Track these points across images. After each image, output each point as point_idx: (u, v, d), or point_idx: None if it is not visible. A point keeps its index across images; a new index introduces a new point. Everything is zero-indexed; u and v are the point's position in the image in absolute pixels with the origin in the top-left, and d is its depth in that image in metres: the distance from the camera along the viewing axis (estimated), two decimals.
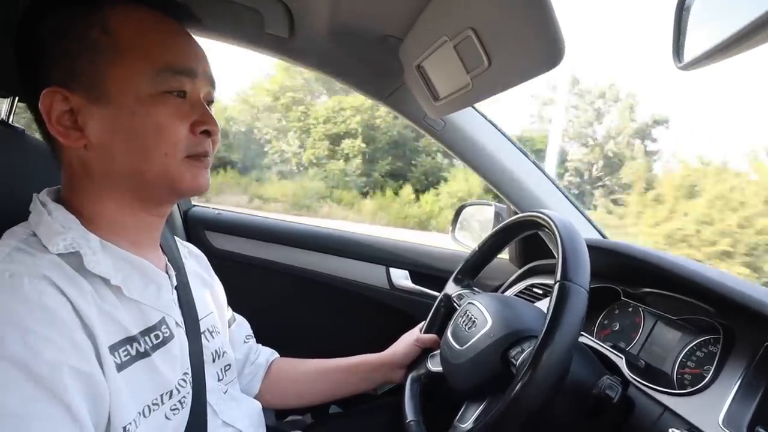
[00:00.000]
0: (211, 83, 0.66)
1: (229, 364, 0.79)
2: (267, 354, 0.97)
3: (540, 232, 0.81)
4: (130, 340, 0.57)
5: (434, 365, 0.89)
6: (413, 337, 0.98)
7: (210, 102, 0.66)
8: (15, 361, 0.44)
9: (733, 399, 0.61)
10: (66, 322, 0.49)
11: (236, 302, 0.95)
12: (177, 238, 0.81)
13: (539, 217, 0.75)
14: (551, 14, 0.52)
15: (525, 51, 0.58)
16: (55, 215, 0.57)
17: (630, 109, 15.49)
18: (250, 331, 0.96)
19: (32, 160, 0.78)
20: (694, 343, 0.75)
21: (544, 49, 0.55)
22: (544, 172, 1.17)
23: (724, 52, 0.40)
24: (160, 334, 0.62)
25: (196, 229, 1.58)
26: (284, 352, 1.02)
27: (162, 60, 0.58)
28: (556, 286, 0.63)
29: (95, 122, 0.57)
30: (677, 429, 0.61)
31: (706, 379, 0.66)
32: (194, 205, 1.65)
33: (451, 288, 0.98)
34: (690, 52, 0.45)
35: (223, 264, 0.96)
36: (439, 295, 1.00)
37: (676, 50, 0.45)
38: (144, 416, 0.56)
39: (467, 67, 0.70)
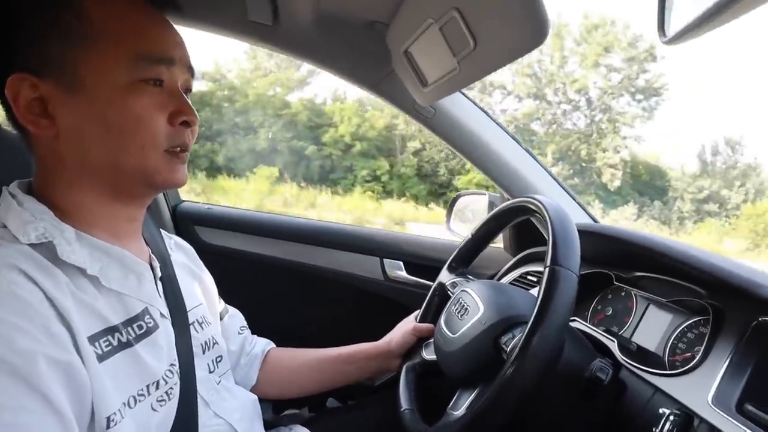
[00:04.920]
0: (190, 71, 0.64)
1: (221, 356, 0.78)
2: (263, 344, 0.97)
3: (532, 218, 0.81)
4: (111, 330, 0.55)
5: (429, 354, 0.90)
6: (409, 326, 0.97)
7: (188, 90, 0.64)
8: None
9: (722, 378, 0.61)
10: (39, 312, 0.48)
11: (229, 297, 0.94)
12: (163, 231, 0.80)
13: (530, 203, 0.75)
14: None
15: (509, 29, 0.57)
16: (26, 206, 0.55)
17: None
18: (245, 323, 0.96)
19: (5, 155, 0.76)
20: (685, 324, 0.75)
21: (528, 26, 0.54)
22: (535, 158, 1.17)
23: (708, 22, 0.39)
24: (144, 324, 0.61)
25: (186, 225, 1.57)
26: (279, 346, 1.01)
27: (138, 47, 0.56)
28: (546, 271, 0.62)
29: (67, 111, 0.55)
30: (668, 409, 0.61)
31: (696, 359, 0.66)
32: (183, 201, 1.63)
33: (445, 276, 0.98)
34: (674, 25, 0.44)
35: (214, 259, 0.95)
36: (433, 285, 1.00)
37: (661, 24, 0.45)
38: (129, 407, 0.55)
39: (453, 50, 0.68)
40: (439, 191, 17.35)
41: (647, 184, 19.00)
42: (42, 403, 0.45)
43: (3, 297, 0.46)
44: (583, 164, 17.95)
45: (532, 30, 0.53)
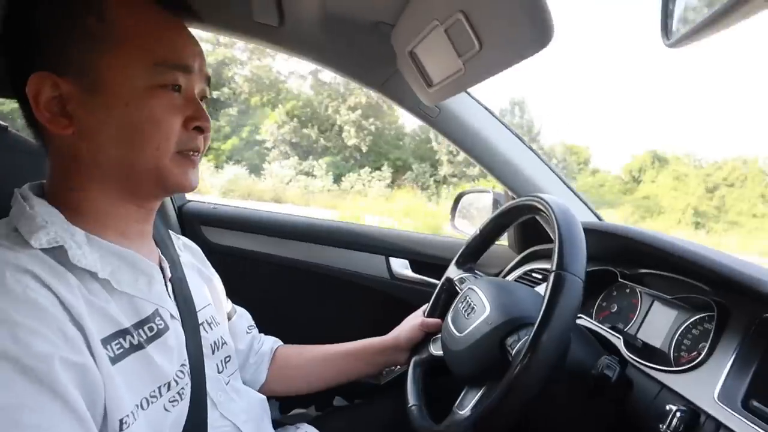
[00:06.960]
0: (206, 80, 0.65)
1: (230, 356, 0.79)
2: (271, 342, 0.98)
3: (538, 217, 0.81)
4: (122, 333, 0.56)
5: (436, 349, 0.90)
6: (417, 320, 0.98)
7: (204, 98, 0.65)
8: (5, 356, 0.44)
9: (728, 374, 0.62)
10: (54, 315, 0.48)
11: (236, 297, 0.95)
12: (171, 232, 0.81)
13: (538, 202, 0.75)
14: None
15: (514, 32, 0.57)
16: (37, 209, 0.55)
17: None
18: (252, 322, 0.97)
19: (15, 157, 0.77)
20: (690, 321, 0.75)
21: (533, 29, 0.54)
22: (538, 156, 1.17)
23: (711, 26, 0.40)
24: (154, 326, 0.61)
25: (192, 225, 1.57)
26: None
27: (159, 53, 0.58)
28: (552, 276, 0.62)
29: (85, 111, 0.56)
30: (674, 406, 0.62)
31: (702, 356, 0.66)
32: (189, 201, 1.64)
33: (453, 271, 0.99)
34: (676, 30, 0.44)
35: (221, 259, 0.96)
36: (441, 280, 1.00)
37: (664, 28, 0.45)
38: (142, 408, 0.55)
39: (459, 52, 0.69)
40: (222, 157, 16.70)
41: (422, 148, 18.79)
42: (60, 404, 0.45)
43: (19, 301, 0.47)
44: (332, 126, 16.93)
45: (537, 33, 0.54)
